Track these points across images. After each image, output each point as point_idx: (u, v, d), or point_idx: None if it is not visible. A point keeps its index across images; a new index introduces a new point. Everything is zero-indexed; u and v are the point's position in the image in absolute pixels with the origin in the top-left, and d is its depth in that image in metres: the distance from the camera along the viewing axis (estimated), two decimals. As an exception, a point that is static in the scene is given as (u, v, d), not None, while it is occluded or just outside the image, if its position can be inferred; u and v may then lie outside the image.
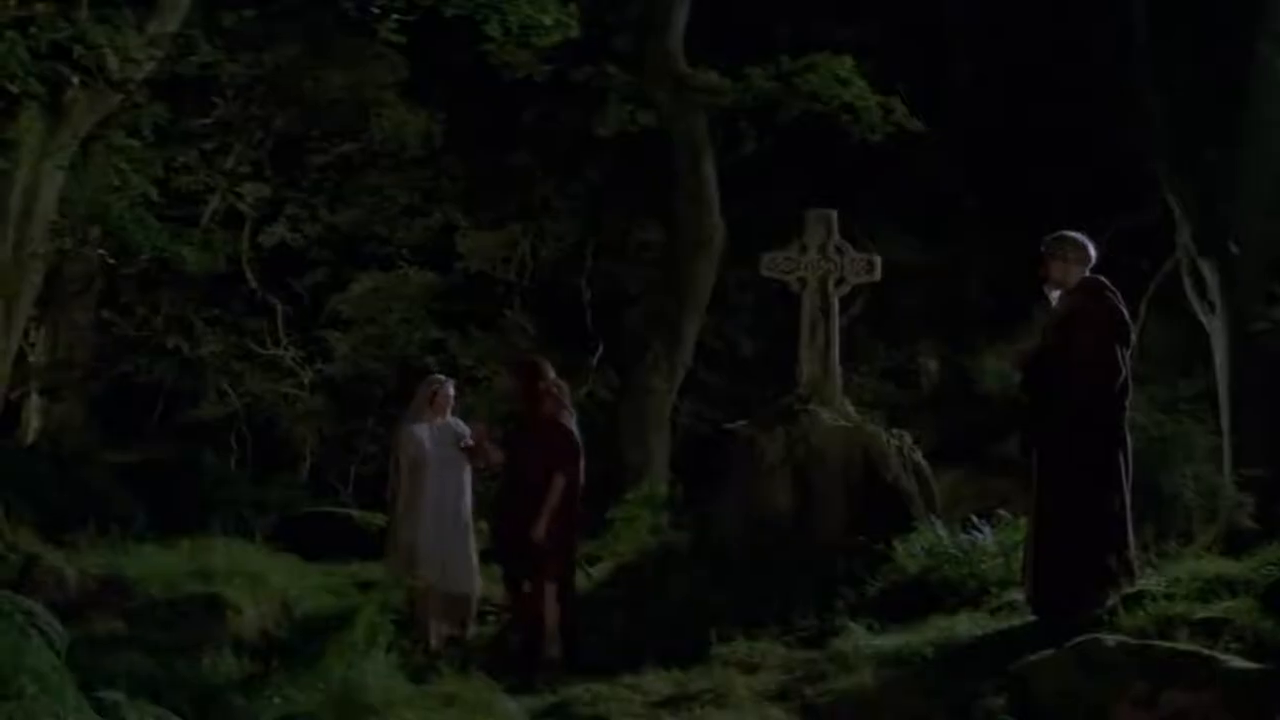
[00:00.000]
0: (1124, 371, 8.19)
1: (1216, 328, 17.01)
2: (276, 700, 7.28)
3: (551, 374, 9.70)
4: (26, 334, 19.70)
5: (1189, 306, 17.76)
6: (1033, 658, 6.47)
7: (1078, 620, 7.36)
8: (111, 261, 15.07)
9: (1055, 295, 8.53)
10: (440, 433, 10.24)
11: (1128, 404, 8.25)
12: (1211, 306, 17.08)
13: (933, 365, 23.80)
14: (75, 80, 10.12)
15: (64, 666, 6.31)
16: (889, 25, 20.51)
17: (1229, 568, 7.71)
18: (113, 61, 10.58)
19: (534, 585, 9.24)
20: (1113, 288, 8.39)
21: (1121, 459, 8.11)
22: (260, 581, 9.57)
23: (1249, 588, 7.29)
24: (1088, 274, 8.47)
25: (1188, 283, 17.67)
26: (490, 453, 9.93)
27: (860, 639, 8.02)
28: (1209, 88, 17.14)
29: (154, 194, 15.91)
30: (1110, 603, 7.57)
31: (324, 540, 12.20)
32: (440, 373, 21.77)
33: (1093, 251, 8.53)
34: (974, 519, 9.80)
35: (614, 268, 22.99)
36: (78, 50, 10.00)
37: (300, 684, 7.43)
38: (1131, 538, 8.10)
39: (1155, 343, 20.12)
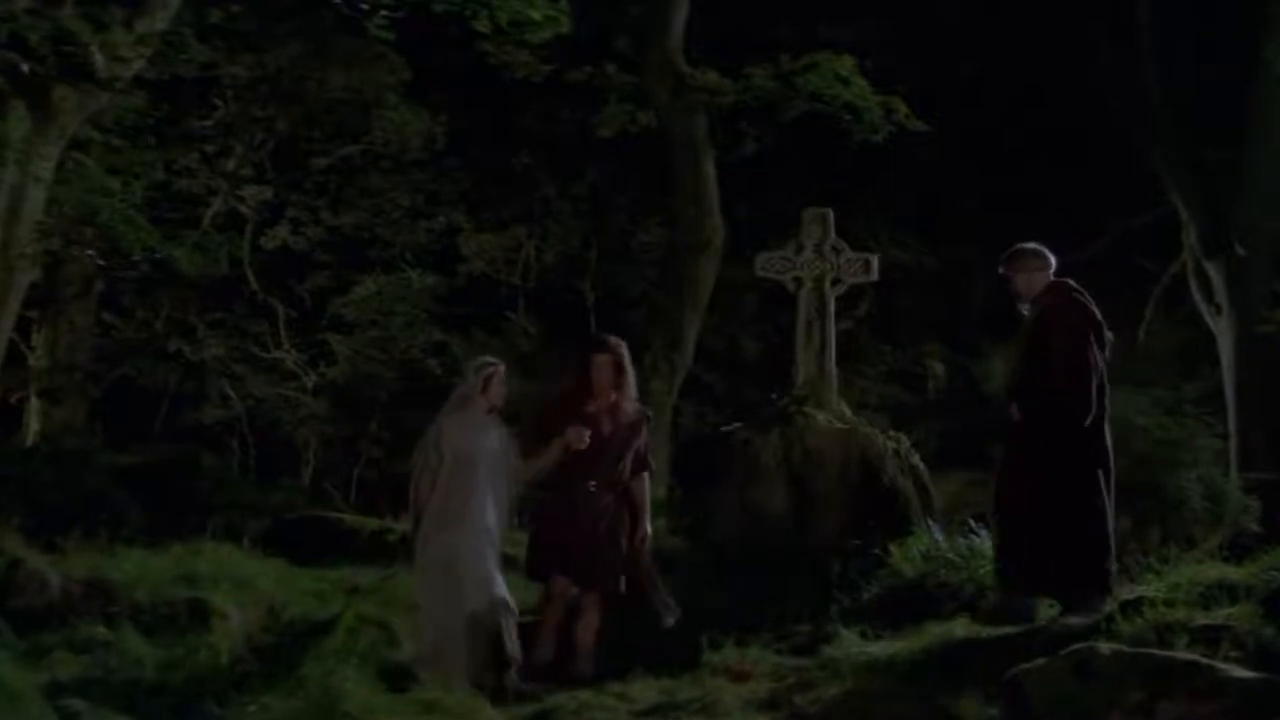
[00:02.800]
0: (1100, 371, 8.17)
1: (1223, 329, 16.88)
2: (253, 708, 7.14)
3: None
4: (28, 337, 19.70)
5: (1195, 308, 17.63)
6: (1026, 665, 6.28)
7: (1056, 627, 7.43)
8: (102, 264, 14.94)
9: (1026, 308, 8.56)
10: (486, 432, 8.76)
11: (1107, 404, 8.25)
12: (1218, 308, 16.95)
13: (939, 368, 23.66)
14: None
15: (23, 673, 6.14)
16: (891, 26, 20.40)
17: (1231, 573, 7.51)
18: (100, 60, 10.44)
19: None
20: (1080, 289, 8.41)
21: (1101, 461, 8.14)
22: (247, 586, 9.40)
23: (1251, 593, 7.10)
24: (1053, 279, 8.50)
25: (1194, 284, 17.54)
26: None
27: (853, 645, 7.87)
28: (1214, 88, 17.02)
29: (137, 192, 15.80)
30: (1096, 609, 7.55)
31: (315, 544, 12.00)
32: (445, 373, 22.08)
33: (1051, 257, 8.55)
34: (971, 522, 9.65)
35: (618, 269, 22.91)
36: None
37: (279, 691, 7.29)
38: (1113, 541, 8.11)
39: (1161, 344, 20.01)
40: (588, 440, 8.84)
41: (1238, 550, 9.76)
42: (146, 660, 7.97)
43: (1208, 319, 17.27)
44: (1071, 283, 8.51)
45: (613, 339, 9.31)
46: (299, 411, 22.35)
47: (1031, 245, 8.70)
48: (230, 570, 9.67)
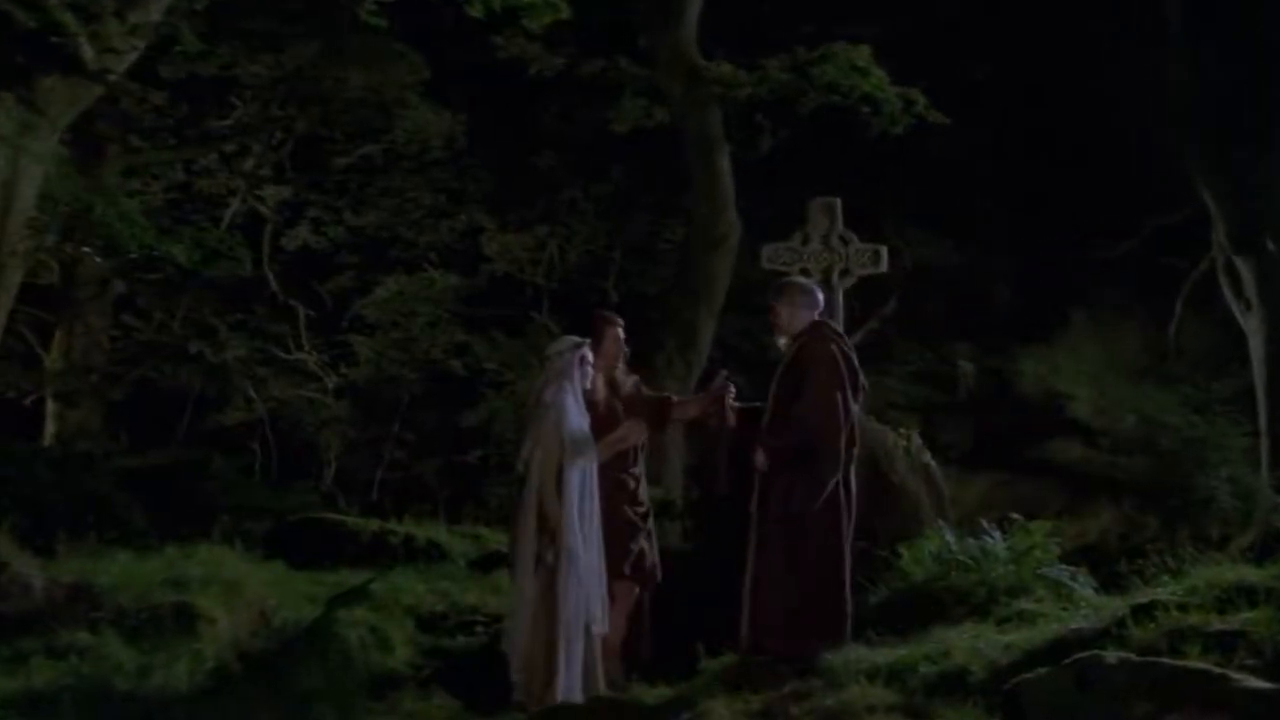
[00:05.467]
0: (846, 417, 8.15)
1: (1253, 326, 16.50)
2: (229, 715, 6.89)
3: None
4: (45, 339, 19.59)
5: (1225, 305, 17.29)
6: (1027, 676, 5.97)
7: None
8: (99, 260, 14.77)
9: (783, 343, 8.55)
10: (585, 416, 8.29)
11: (854, 452, 8.33)
12: (1248, 305, 16.58)
13: (969, 368, 23.37)
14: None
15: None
16: (914, 23, 20.12)
17: (1251, 574, 7.12)
18: (88, 51, 10.21)
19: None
20: (838, 331, 8.61)
21: (842, 507, 8.18)
22: (237, 590, 9.18)
23: (1271, 596, 6.72)
24: (815, 319, 8.51)
25: (1224, 281, 17.19)
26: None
27: (854, 653, 7.55)
28: (1242, 83, 16.69)
29: (157, 193, 15.59)
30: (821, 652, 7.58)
31: (317, 547, 11.75)
32: (468, 374, 21.89)
33: (820, 296, 8.68)
34: (984, 523, 9.31)
35: (642, 269, 22.69)
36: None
37: (257, 697, 7.04)
38: (846, 589, 8.17)
39: (1191, 342, 19.71)
40: (645, 434, 8.78)
41: (1267, 551, 9.41)
42: (127, 667, 7.75)
43: (1238, 316, 16.92)
44: (832, 324, 8.71)
45: (613, 313, 9.30)
46: (321, 413, 22.17)
47: (803, 280, 9.00)
48: (222, 574, 9.45)
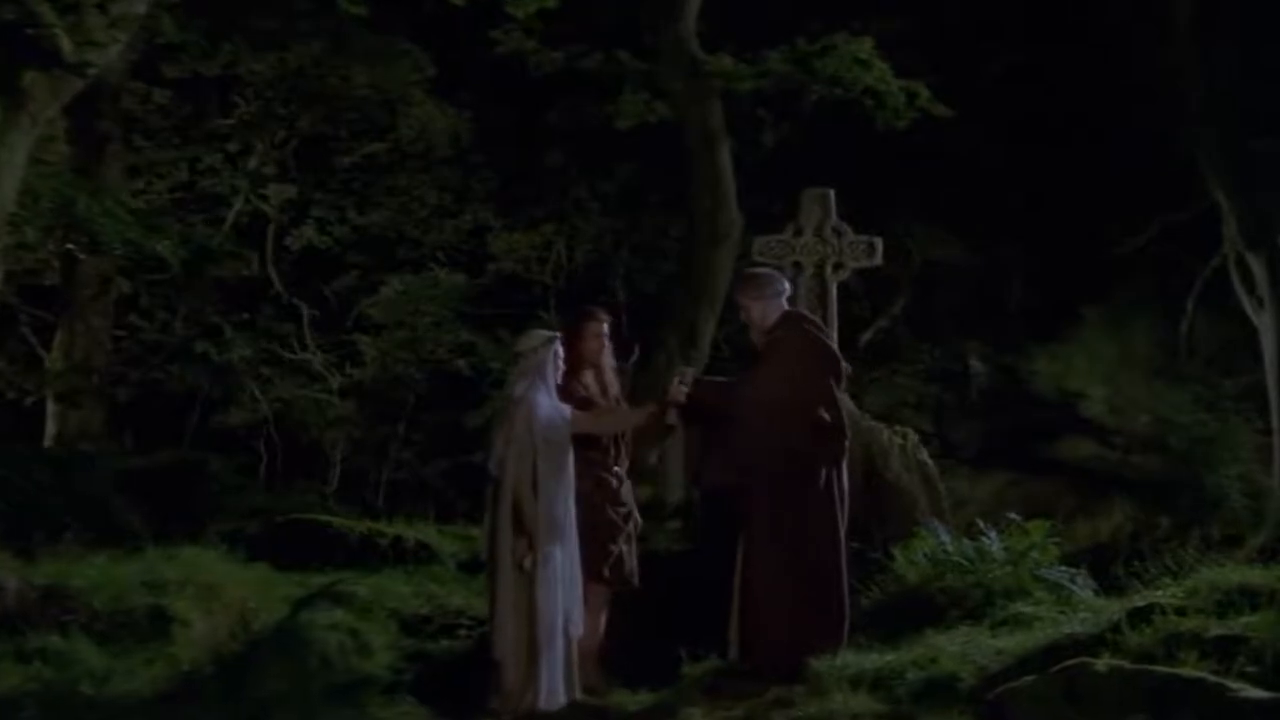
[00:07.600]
0: (834, 407, 7.90)
1: (1265, 323, 16.31)
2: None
3: None
4: (46, 340, 19.44)
5: (1237, 302, 17.09)
6: (1012, 685, 5.69)
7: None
8: (83, 257, 14.59)
9: (759, 339, 8.27)
10: (563, 412, 7.98)
11: (846, 444, 8.04)
12: (1260, 301, 16.39)
13: (980, 366, 23.14)
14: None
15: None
16: (925, 18, 19.90)
17: (1254, 577, 6.83)
18: (67, 44, 10.00)
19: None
20: (813, 319, 8.45)
21: (835, 505, 7.90)
22: (216, 593, 8.96)
23: (1273, 600, 6.43)
24: (786, 307, 8.29)
25: (1235, 277, 17.01)
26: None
27: (839, 658, 7.28)
28: (1253, 78, 16.52)
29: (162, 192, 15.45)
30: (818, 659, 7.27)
31: (308, 548, 11.50)
32: (472, 374, 21.72)
33: (785, 285, 8.40)
34: (980, 524, 9.04)
35: (649, 266, 22.50)
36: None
37: (218, 702, 6.83)
38: (845, 589, 7.89)
39: (1203, 340, 19.49)
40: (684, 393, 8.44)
41: (1277, 552, 9.17)
42: (96, 671, 7.54)
43: (1249, 313, 16.73)
44: (805, 313, 8.61)
45: (599, 308, 9.01)
46: (327, 414, 22.00)
47: (766, 271, 8.66)
48: (202, 576, 9.21)
